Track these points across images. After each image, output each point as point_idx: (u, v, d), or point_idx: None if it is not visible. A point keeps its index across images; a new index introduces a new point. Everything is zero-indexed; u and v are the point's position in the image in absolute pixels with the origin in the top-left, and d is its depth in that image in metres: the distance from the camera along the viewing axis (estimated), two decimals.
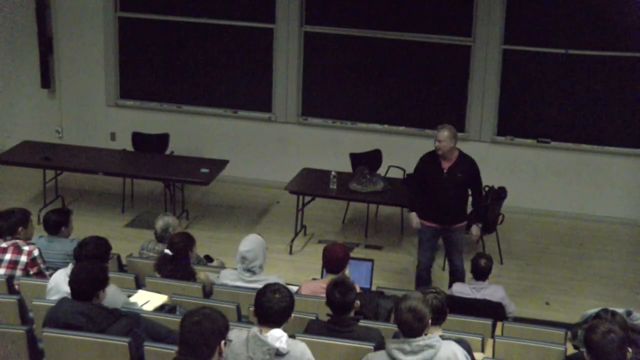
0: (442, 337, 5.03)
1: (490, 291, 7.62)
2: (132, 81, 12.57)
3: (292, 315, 5.00)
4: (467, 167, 8.64)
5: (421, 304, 4.94)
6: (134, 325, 5.45)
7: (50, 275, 6.63)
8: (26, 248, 7.05)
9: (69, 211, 7.95)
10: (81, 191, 11.68)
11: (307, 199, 10.62)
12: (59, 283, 6.19)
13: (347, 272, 6.89)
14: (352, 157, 11.11)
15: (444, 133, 8.53)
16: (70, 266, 6.16)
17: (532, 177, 11.60)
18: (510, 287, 9.07)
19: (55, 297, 6.03)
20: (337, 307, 5.66)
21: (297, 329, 5.66)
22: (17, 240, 7.09)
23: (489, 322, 6.85)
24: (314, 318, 5.97)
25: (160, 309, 6.33)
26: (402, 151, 11.48)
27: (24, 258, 7.01)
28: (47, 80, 12.56)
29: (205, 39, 12.20)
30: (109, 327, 5.36)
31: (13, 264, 6.96)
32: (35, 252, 7.07)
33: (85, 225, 9.65)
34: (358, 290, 6.13)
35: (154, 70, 12.49)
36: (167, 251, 7.15)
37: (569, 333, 6.41)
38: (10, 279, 6.79)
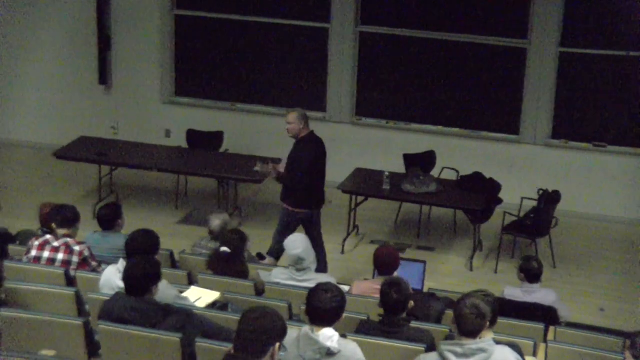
0: (495, 341, 4.99)
1: (542, 295, 7.53)
2: (187, 79, 12.65)
3: (344, 315, 5.00)
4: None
5: (483, 303, 4.91)
6: (186, 321, 5.48)
7: (103, 270, 6.69)
8: (77, 248, 7.09)
9: (120, 205, 8.02)
10: (135, 187, 11.78)
11: (360, 199, 10.61)
12: (111, 278, 6.24)
13: (397, 273, 6.88)
14: (405, 158, 11.07)
15: (292, 115, 8.71)
16: (121, 261, 6.21)
17: (586, 181, 11.46)
18: (563, 291, 8.96)
19: (107, 292, 6.09)
20: (392, 307, 5.64)
21: (349, 329, 5.66)
22: (68, 240, 7.13)
23: (541, 326, 6.78)
24: (365, 318, 5.96)
25: (212, 306, 6.36)
26: (455, 153, 11.43)
27: (75, 258, 7.05)
28: (104, 76, 12.68)
29: (260, 37, 12.25)
30: (161, 322, 5.40)
31: (66, 264, 7.01)
32: (86, 252, 7.12)
33: (138, 221, 9.69)
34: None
35: (209, 68, 12.56)
36: (224, 249, 7.18)
37: (628, 342, 6.30)
38: (66, 271, 6.88)
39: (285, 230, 8.67)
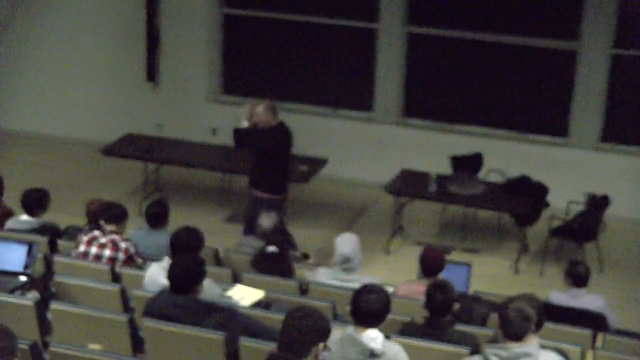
0: (540, 346, 4.93)
1: (589, 300, 7.44)
2: (234, 77, 12.68)
3: (388, 316, 4.97)
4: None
5: (529, 306, 4.85)
6: (230, 320, 5.48)
7: (148, 267, 6.72)
8: (123, 245, 7.15)
9: (167, 203, 8.08)
10: (181, 185, 11.83)
11: (406, 200, 10.56)
12: (156, 276, 6.27)
13: (441, 275, 6.83)
14: (452, 159, 11.00)
15: (261, 107, 9.13)
16: (166, 259, 6.23)
17: (636, 185, 11.30)
18: (610, 297, 8.84)
19: (152, 289, 6.11)
20: (436, 309, 5.61)
21: (393, 330, 5.63)
22: (115, 236, 7.19)
23: (588, 332, 6.69)
24: (409, 320, 5.93)
25: (256, 305, 6.36)
26: (503, 155, 11.32)
27: (121, 255, 7.11)
28: (152, 74, 12.74)
29: (308, 36, 12.25)
30: (205, 320, 5.41)
31: (112, 260, 7.07)
32: (132, 250, 7.18)
33: (183, 219, 9.71)
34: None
35: (257, 66, 12.58)
36: (271, 248, 7.18)
37: None
38: (112, 267, 6.94)
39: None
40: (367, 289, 4.97)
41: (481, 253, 10.35)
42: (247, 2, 12.40)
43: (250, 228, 8.46)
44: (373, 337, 4.84)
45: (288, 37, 12.31)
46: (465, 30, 11.60)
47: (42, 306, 5.93)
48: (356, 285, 5.78)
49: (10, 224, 7.86)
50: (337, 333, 4.81)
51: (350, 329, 4.88)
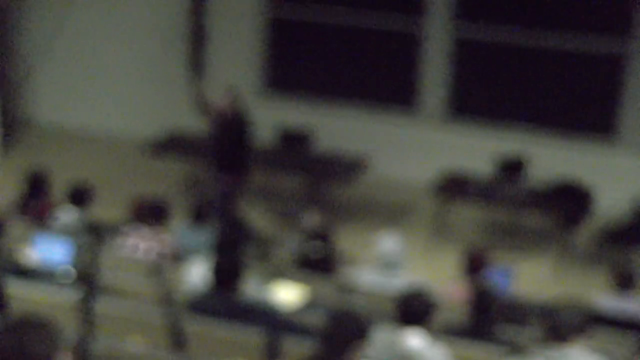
0: (585, 350, 4.89)
1: (637, 304, 7.35)
2: (279, 75, 12.68)
3: (432, 316, 4.96)
4: None
5: (573, 309, 4.81)
6: (272, 319, 5.49)
7: (190, 264, 6.76)
8: (168, 241, 7.21)
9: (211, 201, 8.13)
10: None
11: (449, 200, 10.52)
12: (199, 272, 6.30)
13: (484, 277, 6.81)
14: (497, 160, 10.93)
15: (224, 94, 9.64)
16: (209, 256, 6.26)
17: None
18: None
19: (193, 287, 6.14)
20: (480, 310, 5.59)
21: (436, 331, 5.60)
22: (160, 233, 7.25)
23: (636, 337, 6.59)
24: (453, 320, 5.90)
25: (299, 305, 6.37)
26: (549, 157, 11.23)
27: (166, 251, 7.17)
28: (197, 71, 12.74)
29: (354, 33, 12.20)
30: (247, 319, 5.42)
31: (157, 256, 7.12)
32: (176, 246, 7.22)
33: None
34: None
35: (302, 64, 12.56)
36: (313, 247, 7.19)
37: None
38: (156, 264, 6.98)
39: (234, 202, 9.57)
40: (411, 290, 4.96)
41: (524, 255, 10.27)
42: (293, 5, 12.39)
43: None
44: (416, 337, 4.82)
45: (334, 32, 12.24)
46: (514, 31, 11.52)
47: (87, 301, 5.98)
48: (399, 285, 5.77)
49: (55, 218, 7.94)
50: (380, 334, 4.81)
51: (393, 330, 4.86)
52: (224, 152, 9.67)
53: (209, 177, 9.85)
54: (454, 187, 10.45)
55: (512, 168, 10.58)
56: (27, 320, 3.07)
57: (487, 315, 5.60)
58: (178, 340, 5.71)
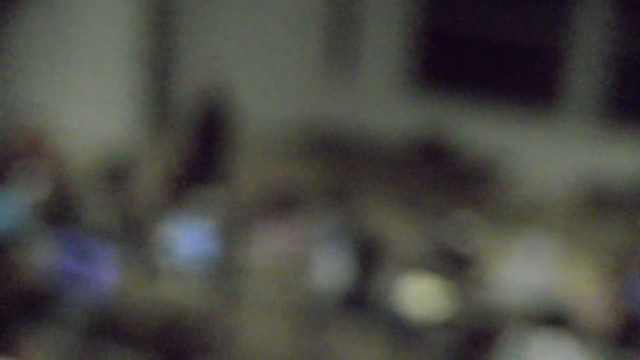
0: None
1: None
2: (426, 70, 12.50)
3: (574, 322, 4.87)
4: None
5: None
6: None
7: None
8: (301, 234, 7.25)
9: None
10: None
11: (594, 202, 10.27)
12: (331, 264, 6.34)
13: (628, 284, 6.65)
14: None
15: None
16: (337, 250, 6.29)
17: None
18: None
19: (328, 277, 6.18)
20: (626, 320, 5.48)
21: (580, 340, 5.48)
22: (296, 222, 7.31)
23: None
24: (595, 333, 5.77)
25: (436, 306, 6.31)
26: None
27: (299, 244, 7.21)
28: (343, 68, 12.71)
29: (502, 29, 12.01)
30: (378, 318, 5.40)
31: (291, 244, 7.19)
32: (312, 239, 7.26)
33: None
34: None
35: (458, 59, 12.40)
36: (464, 247, 7.19)
37: None
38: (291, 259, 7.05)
39: None
40: (550, 293, 4.91)
41: None
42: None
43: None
44: (560, 345, 4.76)
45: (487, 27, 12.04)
46: None
47: (229, 289, 6.06)
48: (539, 286, 5.71)
49: (199, 203, 8.07)
50: (525, 340, 4.76)
51: (538, 337, 4.81)
52: None
53: None
54: (597, 194, 10.22)
55: None
56: (169, 315, 3.12)
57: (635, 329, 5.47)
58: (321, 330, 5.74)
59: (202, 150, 9.43)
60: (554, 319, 4.87)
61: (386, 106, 12.58)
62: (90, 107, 11.80)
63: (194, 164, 9.11)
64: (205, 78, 9.73)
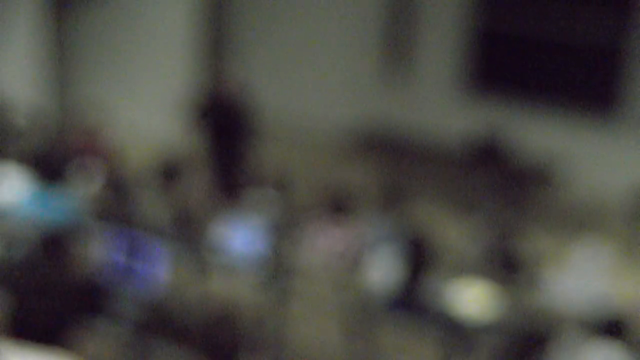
0: None
1: None
2: (482, 74, 12.47)
3: (628, 334, 4.79)
4: None
5: None
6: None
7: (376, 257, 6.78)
8: (358, 233, 7.24)
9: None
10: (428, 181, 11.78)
11: None
12: (384, 265, 6.31)
13: None
14: None
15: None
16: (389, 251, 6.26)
17: None
18: None
19: (380, 279, 6.15)
20: None
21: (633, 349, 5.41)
22: (348, 223, 7.29)
23: None
24: None
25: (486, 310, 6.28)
26: None
27: (352, 245, 7.20)
28: (395, 72, 12.75)
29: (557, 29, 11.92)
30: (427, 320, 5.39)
31: (343, 245, 7.18)
32: (365, 240, 7.25)
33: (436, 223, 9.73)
34: None
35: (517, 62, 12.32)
36: (515, 253, 7.12)
37: None
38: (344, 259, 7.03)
39: None
40: (603, 303, 4.82)
41: None
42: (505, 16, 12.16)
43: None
44: (613, 354, 4.67)
45: (540, 30, 11.94)
46: None
47: (280, 290, 6.07)
48: (593, 296, 5.60)
49: (253, 202, 8.12)
50: (577, 346, 4.69)
51: (590, 344, 4.73)
52: None
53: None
54: None
55: None
56: (219, 311, 3.14)
57: None
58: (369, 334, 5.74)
59: (233, 149, 9.53)
60: (608, 326, 4.79)
61: (442, 108, 12.50)
62: (147, 104, 11.93)
63: (235, 161, 9.21)
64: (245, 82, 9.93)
